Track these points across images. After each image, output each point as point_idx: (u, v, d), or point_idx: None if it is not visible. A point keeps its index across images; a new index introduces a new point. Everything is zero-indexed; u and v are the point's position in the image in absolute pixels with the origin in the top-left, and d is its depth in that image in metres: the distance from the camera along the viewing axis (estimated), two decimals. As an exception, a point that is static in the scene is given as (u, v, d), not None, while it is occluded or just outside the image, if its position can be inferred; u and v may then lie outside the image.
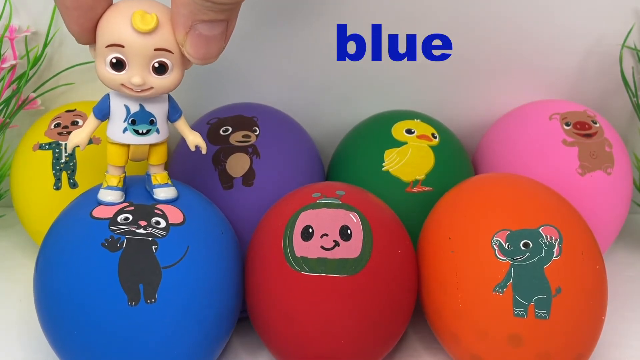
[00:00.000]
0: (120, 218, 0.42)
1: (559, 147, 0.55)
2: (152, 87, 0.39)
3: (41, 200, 0.54)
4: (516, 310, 0.42)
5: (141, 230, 0.42)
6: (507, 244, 0.43)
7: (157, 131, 0.42)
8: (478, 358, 0.44)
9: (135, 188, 0.46)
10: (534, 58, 0.61)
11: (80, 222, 0.43)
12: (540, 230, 0.43)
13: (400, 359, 0.49)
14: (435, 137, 0.55)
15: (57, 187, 0.53)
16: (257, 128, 0.53)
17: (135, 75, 0.38)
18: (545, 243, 0.43)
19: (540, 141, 0.56)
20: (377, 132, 0.56)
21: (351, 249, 0.43)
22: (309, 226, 0.44)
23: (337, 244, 0.43)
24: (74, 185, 0.53)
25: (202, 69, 0.59)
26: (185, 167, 0.53)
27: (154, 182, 0.44)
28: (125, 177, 0.44)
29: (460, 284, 0.44)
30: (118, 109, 0.41)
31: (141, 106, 0.41)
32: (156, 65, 0.39)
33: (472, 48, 0.60)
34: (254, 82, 0.61)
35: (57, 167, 0.53)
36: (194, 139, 0.44)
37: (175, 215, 0.44)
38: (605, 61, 0.61)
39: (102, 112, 0.41)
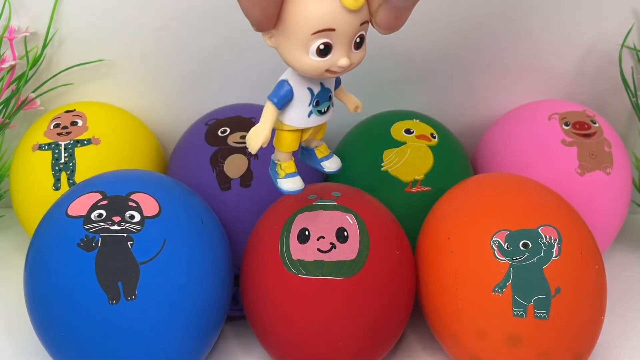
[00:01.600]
0: (94, 215, 0.42)
1: (559, 147, 0.55)
2: (352, 63, 0.36)
3: (40, 200, 0.53)
4: (515, 311, 0.42)
5: (115, 227, 0.42)
6: (507, 244, 0.43)
7: (332, 105, 0.40)
8: (477, 358, 0.44)
9: (109, 176, 0.46)
10: (534, 58, 0.61)
11: (57, 222, 0.43)
12: (539, 230, 0.43)
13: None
14: (434, 137, 0.55)
15: (57, 187, 0.53)
16: (255, 129, 0.53)
17: (343, 56, 0.35)
18: (544, 243, 0.43)
19: (539, 141, 0.56)
20: (376, 132, 0.56)
21: (348, 251, 0.43)
22: (305, 229, 0.44)
23: (333, 246, 0.43)
24: (73, 185, 0.53)
25: (201, 70, 0.60)
26: (184, 168, 0.54)
27: (319, 155, 0.43)
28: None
29: (459, 284, 0.44)
30: (302, 94, 0.38)
31: (321, 84, 0.38)
32: (358, 40, 0.36)
33: (472, 48, 0.60)
34: (253, 82, 0.60)
35: (57, 168, 0.53)
36: (355, 101, 0.42)
37: (150, 206, 0.43)
38: (604, 61, 0.61)
39: (284, 100, 0.38)
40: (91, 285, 0.41)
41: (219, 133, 0.53)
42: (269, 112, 0.38)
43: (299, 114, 0.39)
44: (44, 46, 0.58)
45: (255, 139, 0.38)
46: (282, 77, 0.38)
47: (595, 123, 0.56)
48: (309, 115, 0.39)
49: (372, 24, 0.36)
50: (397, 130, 0.55)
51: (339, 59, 0.35)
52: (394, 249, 0.45)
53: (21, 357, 0.49)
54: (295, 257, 0.43)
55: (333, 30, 0.35)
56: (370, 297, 0.43)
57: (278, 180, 0.41)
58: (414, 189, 0.53)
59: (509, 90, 0.63)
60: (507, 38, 0.60)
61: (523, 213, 0.44)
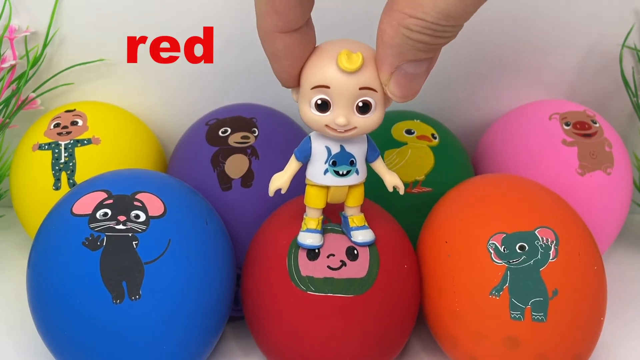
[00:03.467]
0: (99, 214, 0.42)
1: (559, 147, 0.55)
2: (355, 127, 0.38)
3: (41, 200, 0.54)
4: (513, 313, 0.42)
5: (120, 226, 0.42)
6: (503, 247, 0.43)
7: (357, 172, 0.41)
8: (476, 361, 0.44)
9: (114, 175, 0.46)
10: (534, 58, 0.61)
11: (62, 221, 0.43)
12: (536, 232, 0.43)
13: (400, 361, 0.49)
14: (435, 138, 0.55)
15: (57, 187, 0.53)
16: (256, 129, 0.53)
17: (340, 115, 0.38)
18: (541, 245, 0.43)
19: (540, 141, 0.56)
20: (376, 133, 0.55)
21: (358, 269, 0.43)
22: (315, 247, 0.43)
23: (343, 263, 0.43)
24: (73, 185, 0.53)
25: (201, 70, 0.60)
26: (184, 168, 0.54)
27: (351, 224, 0.44)
28: (323, 219, 0.43)
29: (457, 287, 0.44)
30: (319, 150, 0.40)
31: (342, 147, 0.40)
32: (360, 104, 0.38)
33: (472, 48, 0.60)
34: (253, 82, 0.60)
35: (57, 168, 0.53)
36: (392, 180, 0.43)
37: (155, 206, 0.43)
38: (605, 61, 0.61)
39: (304, 154, 0.41)
40: (95, 285, 0.41)
41: (220, 133, 0.53)
42: (290, 162, 0.41)
43: (315, 170, 0.41)
44: (45, 46, 0.59)
45: (272, 182, 0.41)
46: (310, 133, 0.41)
47: (595, 123, 0.56)
48: (324, 173, 0.41)
49: (388, 93, 0.38)
50: (398, 130, 0.55)
51: (336, 117, 0.38)
52: (402, 263, 0.45)
53: (22, 357, 0.49)
54: (304, 273, 0.43)
55: (328, 87, 0.37)
56: (379, 313, 0.43)
57: (300, 231, 0.43)
58: (414, 190, 0.53)
59: (509, 90, 0.63)
60: (508, 38, 0.60)
61: (520, 215, 0.44)
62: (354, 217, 0.43)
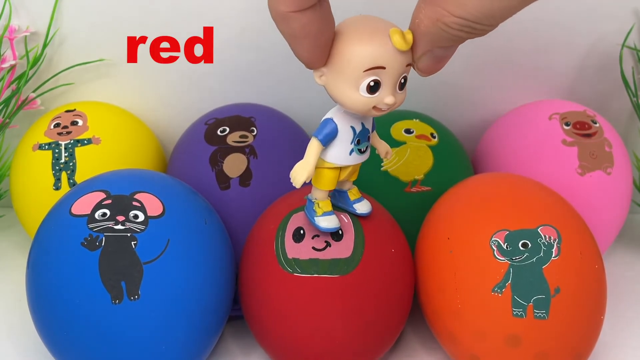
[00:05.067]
0: (98, 214, 0.42)
1: (559, 147, 0.55)
2: (395, 103, 0.38)
3: (41, 200, 0.53)
4: (515, 311, 0.42)
5: (119, 226, 0.42)
6: (506, 244, 0.43)
7: (369, 146, 0.42)
8: (476, 358, 0.44)
9: (113, 175, 0.46)
10: (534, 58, 0.61)
11: (61, 221, 0.43)
12: (538, 230, 0.43)
13: (398, 359, 0.49)
14: (434, 137, 0.55)
15: (57, 187, 0.53)
16: (254, 128, 0.53)
17: (389, 95, 0.37)
18: (543, 243, 0.43)
19: (540, 141, 0.56)
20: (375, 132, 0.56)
21: (342, 249, 0.43)
22: (300, 227, 0.44)
23: (328, 244, 0.43)
24: (73, 185, 0.53)
25: (201, 70, 0.60)
26: (183, 168, 0.54)
27: (351, 197, 0.44)
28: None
29: (458, 284, 0.44)
30: (345, 131, 0.40)
31: (362, 124, 0.40)
32: (402, 81, 0.38)
33: (472, 48, 0.60)
34: (253, 82, 0.60)
35: (57, 167, 0.53)
36: (385, 147, 0.44)
37: (154, 206, 0.43)
38: (605, 61, 0.61)
39: (329, 137, 0.40)
40: (94, 285, 0.41)
41: (219, 132, 0.53)
42: (313, 148, 0.40)
43: (341, 152, 0.40)
44: (44, 46, 0.58)
45: (300, 173, 0.39)
46: (327, 116, 0.40)
47: (595, 123, 0.56)
48: (350, 153, 0.40)
49: (414, 68, 0.38)
50: (397, 130, 0.55)
51: (385, 97, 0.37)
52: (389, 247, 0.45)
53: (22, 357, 0.49)
54: (290, 255, 0.43)
55: (383, 68, 0.36)
56: (366, 294, 0.43)
57: (315, 218, 0.42)
58: (413, 189, 0.53)
59: (509, 90, 0.63)
60: (508, 38, 0.60)
61: (522, 213, 0.44)
62: (352, 190, 0.44)
